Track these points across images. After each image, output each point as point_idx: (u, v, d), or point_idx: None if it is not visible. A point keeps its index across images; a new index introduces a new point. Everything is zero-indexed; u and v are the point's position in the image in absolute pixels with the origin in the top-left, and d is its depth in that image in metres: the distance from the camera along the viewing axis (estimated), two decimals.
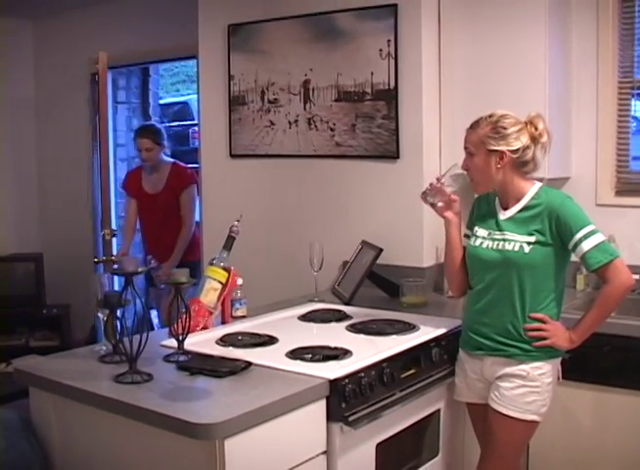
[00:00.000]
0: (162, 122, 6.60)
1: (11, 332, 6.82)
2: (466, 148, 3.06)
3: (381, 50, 4.23)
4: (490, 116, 3.02)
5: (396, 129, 4.20)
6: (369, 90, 4.27)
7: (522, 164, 3.01)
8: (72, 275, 7.08)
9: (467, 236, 3.25)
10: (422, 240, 4.22)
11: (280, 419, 2.48)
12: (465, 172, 3.13)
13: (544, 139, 3.00)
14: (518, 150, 2.97)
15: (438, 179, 3.22)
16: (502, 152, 2.96)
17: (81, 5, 6.68)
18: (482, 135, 2.99)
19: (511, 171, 3.01)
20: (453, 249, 3.24)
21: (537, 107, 3.36)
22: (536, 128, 2.99)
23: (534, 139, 2.99)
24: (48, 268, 7.03)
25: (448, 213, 3.21)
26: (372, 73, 4.26)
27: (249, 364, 2.76)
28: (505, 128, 2.96)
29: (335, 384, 2.66)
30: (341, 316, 3.64)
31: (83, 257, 6.97)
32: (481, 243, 3.10)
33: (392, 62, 4.19)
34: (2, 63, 7.10)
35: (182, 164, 5.90)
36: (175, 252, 5.63)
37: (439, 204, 3.21)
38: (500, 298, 3.03)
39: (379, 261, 3.98)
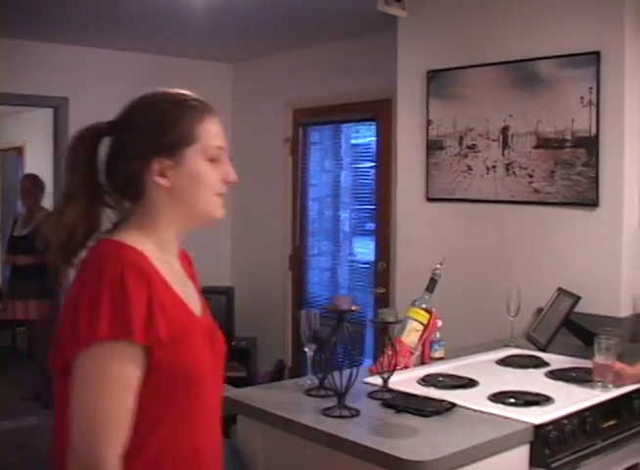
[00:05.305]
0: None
1: None
2: None
3: (582, 97, 4.21)
4: None
5: (596, 177, 4.18)
6: (569, 137, 4.26)
7: None
8: (261, 309, 7.33)
9: None
10: (619, 289, 4.16)
11: (485, 461, 2.51)
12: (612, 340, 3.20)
13: None
14: None
15: (595, 362, 3.23)
16: None
17: (279, 49, 6.97)
18: None
19: None
20: None
21: None
22: None
23: None
24: (238, 302, 7.29)
25: (626, 381, 3.21)
26: (572, 121, 4.25)
27: (453, 405, 2.81)
28: None
29: (539, 430, 2.68)
30: (538, 363, 3.64)
31: (272, 292, 7.21)
32: None
33: (594, 109, 4.18)
34: None
35: None
36: None
37: (610, 380, 3.19)
38: None
39: (574, 309, 3.96)
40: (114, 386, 1.64)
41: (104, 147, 1.85)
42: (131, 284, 1.64)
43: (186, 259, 2.01)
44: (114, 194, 1.86)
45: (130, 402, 1.66)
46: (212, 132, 1.85)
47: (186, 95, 1.88)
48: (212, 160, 1.84)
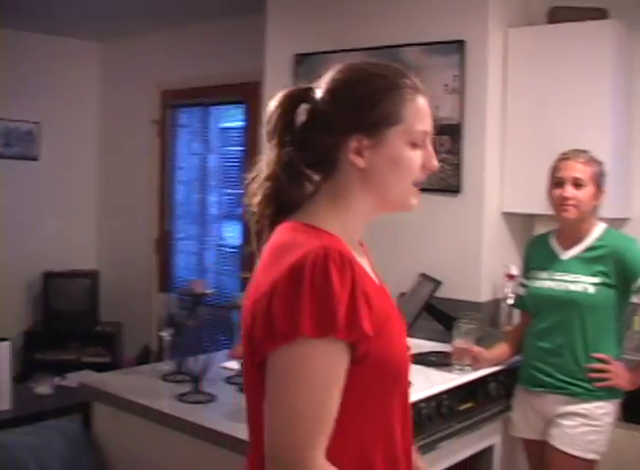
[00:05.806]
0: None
1: (64, 347, 6.89)
2: (575, 178, 3.07)
3: (446, 85, 4.25)
4: (593, 157, 3.11)
5: (459, 164, 4.23)
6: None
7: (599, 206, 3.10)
8: (126, 294, 7.19)
9: (523, 285, 3.29)
10: (480, 275, 4.22)
11: None
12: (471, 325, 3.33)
13: None
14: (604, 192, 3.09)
15: (454, 345, 3.32)
16: (603, 192, 3.08)
17: (148, 29, 6.82)
18: (597, 172, 3.09)
19: (594, 210, 3.08)
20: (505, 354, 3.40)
21: (600, 147, 3.41)
22: None
23: None
24: (103, 286, 7.14)
25: (483, 365, 3.31)
26: (437, 108, 4.28)
27: None
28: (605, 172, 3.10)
29: None
30: None
31: (138, 275, 7.08)
32: (542, 284, 3.14)
33: (457, 97, 4.23)
34: (68, 83, 7.25)
35: None
36: None
37: (468, 363, 3.28)
38: (564, 338, 3.06)
39: (435, 294, 4.01)
40: (320, 384, 1.49)
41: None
42: (335, 274, 1.48)
43: (362, 247, 1.83)
44: (304, 167, 1.72)
45: (338, 399, 1.51)
46: (420, 115, 1.67)
47: (399, 70, 1.71)
48: (414, 144, 1.66)
